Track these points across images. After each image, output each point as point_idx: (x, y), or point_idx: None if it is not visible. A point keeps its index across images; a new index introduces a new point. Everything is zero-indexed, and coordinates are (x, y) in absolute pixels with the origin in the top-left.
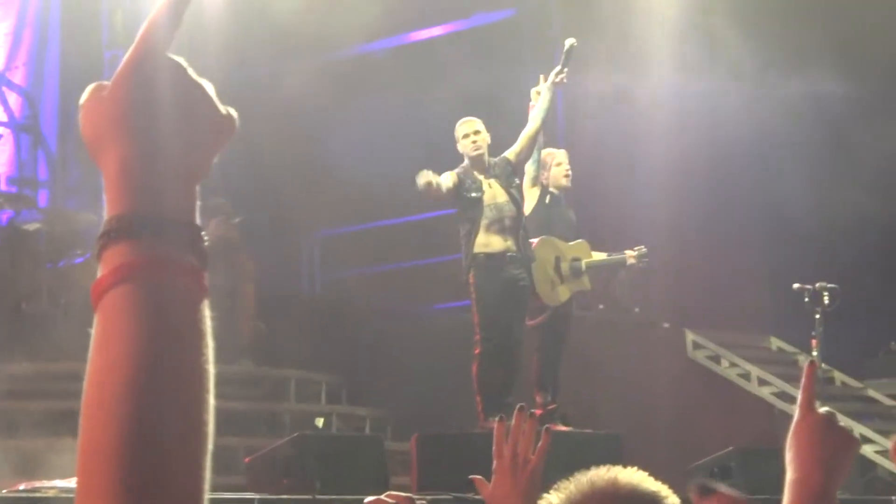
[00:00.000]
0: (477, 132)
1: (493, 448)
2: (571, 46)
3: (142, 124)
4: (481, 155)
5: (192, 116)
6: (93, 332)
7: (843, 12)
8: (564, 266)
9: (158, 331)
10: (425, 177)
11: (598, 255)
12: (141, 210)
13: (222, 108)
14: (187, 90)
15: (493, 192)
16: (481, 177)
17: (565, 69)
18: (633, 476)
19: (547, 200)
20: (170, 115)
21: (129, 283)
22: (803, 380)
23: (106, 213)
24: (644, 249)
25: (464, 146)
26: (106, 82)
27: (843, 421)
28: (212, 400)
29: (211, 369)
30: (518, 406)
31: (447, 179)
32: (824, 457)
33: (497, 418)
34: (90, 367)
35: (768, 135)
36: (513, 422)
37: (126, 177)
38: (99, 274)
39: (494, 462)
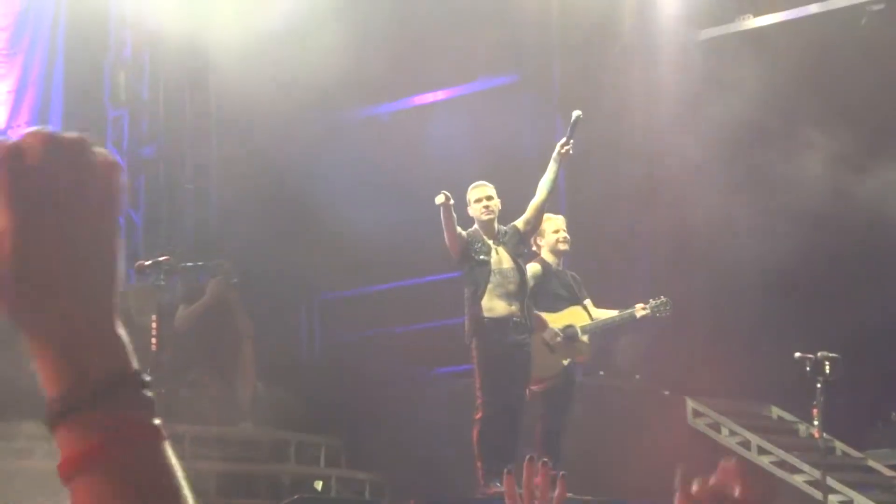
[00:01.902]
0: (489, 197)
1: (507, 501)
2: (577, 118)
3: (36, 291)
4: (492, 220)
5: (76, 210)
6: None
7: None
8: (550, 335)
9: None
10: (443, 195)
11: (609, 313)
12: (73, 388)
13: (100, 158)
14: (62, 179)
15: (499, 258)
16: (490, 241)
17: (571, 140)
18: None
19: (540, 272)
20: (55, 236)
21: (93, 472)
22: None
23: (46, 392)
24: (663, 299)
25: (475, 210)
26: None
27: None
28: None
29: (191, 499)
30: (527, 457)
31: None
32: None
33: (506, 471)
34: None
35: (771, 198)
36: (523, 473)
37: (46, 355)
38: (60, 453)
39: None
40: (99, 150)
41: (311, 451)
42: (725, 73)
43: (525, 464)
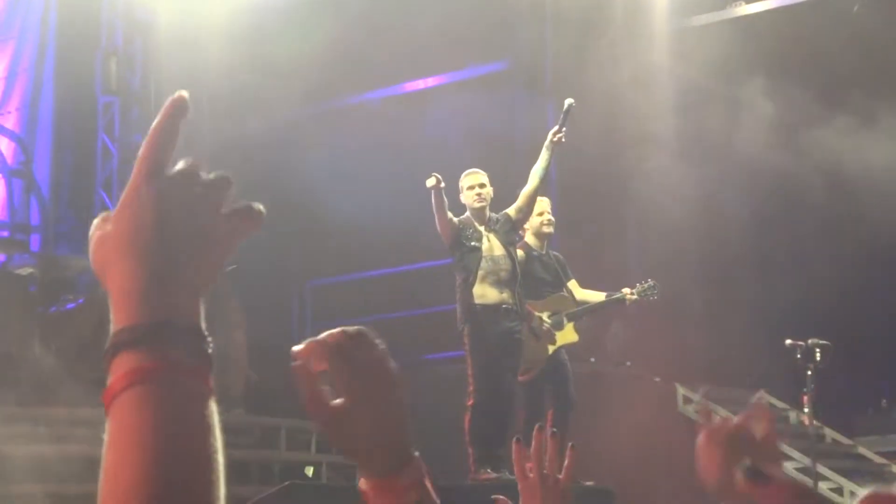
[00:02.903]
0: (482, 185)
1: (515, 470)
2: (570, 106)
3: (143, 247)
4: (484, 207)
5: (197, 232)
6: (105, 435)
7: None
8: (537, 323)
9: (168, 426)
10: (434, 178)
11: (596, 296)
12: (145, 321)
13: (239, 207)
14: (191, 208)
15: (490, 245)
16: (482, 228)
17: (564, 128)
18: None
19: (523, 258)
20: (172, 235)
21: (139, 385)
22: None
23: (112, 329)
24: (651, 282)
25: (468, 197)
26: (111, 212)
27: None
28: (222, 488)
29: (220, 459)
30: (537, 426)
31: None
32: None
33: (515, 439)
34: (104, 463)
35: (763, 186)
36: (532, 443)
37: (129, 292)
38: (109, 382)
39: (519, 484)
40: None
41: (302, 438)
42: (718, 59)
43: (534, 433)
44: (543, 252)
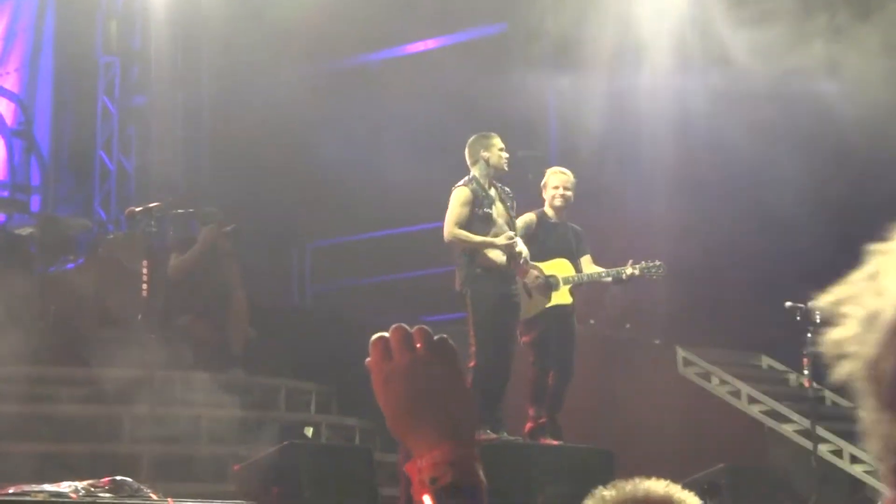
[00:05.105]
0: (502, 148)
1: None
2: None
3: None
4: (503, 169)
5: None
6: None
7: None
8: (531, 278)
9: None
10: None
11: (597, 269)
12: None
13: None
14: None
15: (498, 210)
16: (492, 192)
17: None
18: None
19: (534, 223)
20: None
21: None
22: None
23: None
24: (657, 262)
25: (499, 158)
26: None
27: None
28: None
29: None
30: None
31: (463, 196)
32: None
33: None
34: None
35: (766, 151)
36: None
37: None
38: None
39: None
40: None
41: (301, 398)
42: (718, 22)
43: None
44: (559, 222)
